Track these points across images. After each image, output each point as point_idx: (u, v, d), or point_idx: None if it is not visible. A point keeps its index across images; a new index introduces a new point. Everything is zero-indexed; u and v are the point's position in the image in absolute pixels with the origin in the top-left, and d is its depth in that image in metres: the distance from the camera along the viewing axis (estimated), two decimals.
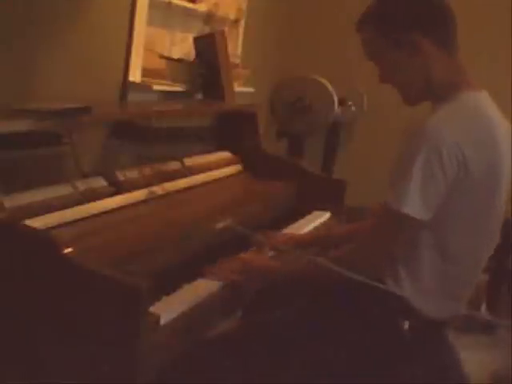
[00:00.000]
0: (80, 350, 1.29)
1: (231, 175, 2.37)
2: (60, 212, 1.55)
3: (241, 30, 3.31)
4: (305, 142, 3.69)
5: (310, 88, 3.44)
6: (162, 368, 1.36)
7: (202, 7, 2.89)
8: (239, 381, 1.51)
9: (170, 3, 2.61)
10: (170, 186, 1.98)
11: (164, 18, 2.67)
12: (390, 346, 1.54)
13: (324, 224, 2.29)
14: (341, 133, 3.91)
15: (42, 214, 1.50)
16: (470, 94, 1.52)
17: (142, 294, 1.24)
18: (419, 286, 1.51)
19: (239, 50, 3.32)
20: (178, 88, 2.58)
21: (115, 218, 1.69)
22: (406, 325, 1.53)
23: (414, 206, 1.40)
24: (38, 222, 1.45)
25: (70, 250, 1.30)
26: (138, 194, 1.83)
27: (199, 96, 2.69)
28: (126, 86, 2.37)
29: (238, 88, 2.95)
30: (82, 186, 1.67)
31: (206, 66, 2.61)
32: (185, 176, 2.09)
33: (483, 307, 3.14)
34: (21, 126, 1.47)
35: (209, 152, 2.35)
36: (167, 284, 1.51)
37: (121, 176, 1.81)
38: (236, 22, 3.26)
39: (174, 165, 2.08)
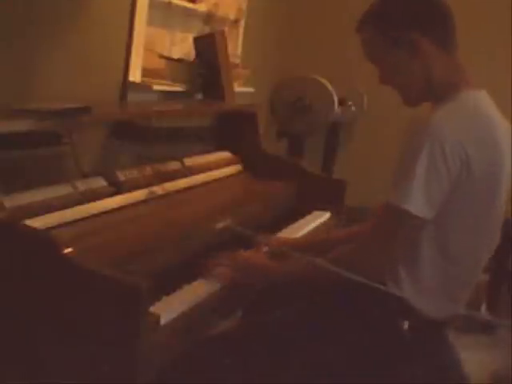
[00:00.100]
0: (80, 350, 1.29)
1: (231, 175, 2.37)
2: (60, 212, 1.55)
3: (241, 30, 3.31)
4: (305, 141, 3.69)
5: (310, 88, 3.44)
6: (162, 368, 1.36)
7: (202, 7, 2.89)
8: (239, 381, 1.51)
9: (169, 3, 2.61)
10: (170, 185, 1.98)
11: (164, 18, 2.67)
12: (389, 346, 1.54)
13: (324, 224, 2.29)
14: (341, 133, 3.91)
15: (42, 214, 1.50)
16: (470, 93, 1.52)
17: (142, 294, 1.24)
18: (419, 287, 1.51)
19: (239, 50, 3.32)
20: (177, 88, 2.58)
21: (115, 217, 1.69)
22: (406, 325, 1.53)
23: (417, 204, 1.40)
24: (38, 222, 1.45)
25: (69, 250, 1.30)
26: (138, 194, 1.83)
27: (199, 96, 2.69)
28: (125, 86, 2.37)
29: (238, 88, 2.95)
30: (82, 186, 1.67)
31: (206, 66, 2.61)
32: (185, 176, 2.09)
33: (483, 307, 3.14)
34: (21, 125, 1.47)
35: (209, 152, 2.35)
36: (167, 284, 1.51)
37: (121, 176, 1.80)
38: (236, 22, 3.26)
39: (173, 165, 2.08)
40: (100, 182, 1.74)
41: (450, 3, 1.56)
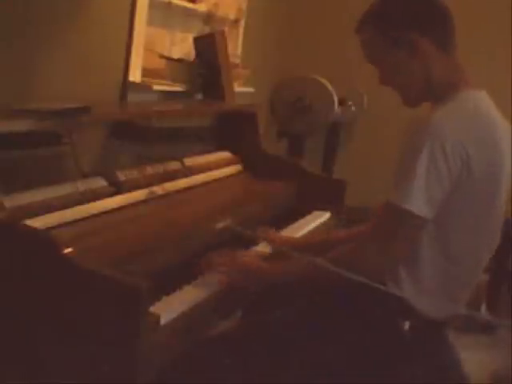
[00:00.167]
0: (80, 349, 1.29)
1: (231, 175, 2.37)
2: (60, 212, 1.55)
3: (241, 30, 3.31)
4: (305, 142, 3.69)
5: (310, 88, 3.44)
6: (162, 368, 1.36)
7: (202, 7, 2.89)
8: (239, 381, 1.51)
9: (169, 3, 2.61)
10: (170, 185, 1.98)
11: (164, 18, 2.67)
12: (390, 346, 1.54)
13: (324, 224, 2.29)
14: (341, 133, 3.91)
15: (42, 214, 1.50)
16: (470, 93, 1.52)
17: (142, 294, 1.24)
18: (419, 287, 1.51)
19: (239, 50, 3.33)
20: (177, 88, 2.58)
21: (115, 217, 1.69)
22: (407, 325, 1.53)
23: (417, 203, 1.40)
24: (38, 222, 1.45)
25: (69, 250, 1.30)
26: (138, 194, 1.83)
27: (199, 96, 2.69)
28: (125, 85, 2.37)
29: (238, 88, 2.95)
30: (82, 186, 1.67)
31: (206, 66, 2.61)
32: (185, 176, 2.09)
33: (483, 307, 3.14)
34: (21, 125, 1.47)
35: (209, 152, 2.35)
36: (167, 284, 1.51)
37: (121, 176, 1.80)
38: (236, 22, 3.26)
39: (174, 165, 2.08)
40: (100, 182, 1.74)
41: (450, 3, 1.56)
